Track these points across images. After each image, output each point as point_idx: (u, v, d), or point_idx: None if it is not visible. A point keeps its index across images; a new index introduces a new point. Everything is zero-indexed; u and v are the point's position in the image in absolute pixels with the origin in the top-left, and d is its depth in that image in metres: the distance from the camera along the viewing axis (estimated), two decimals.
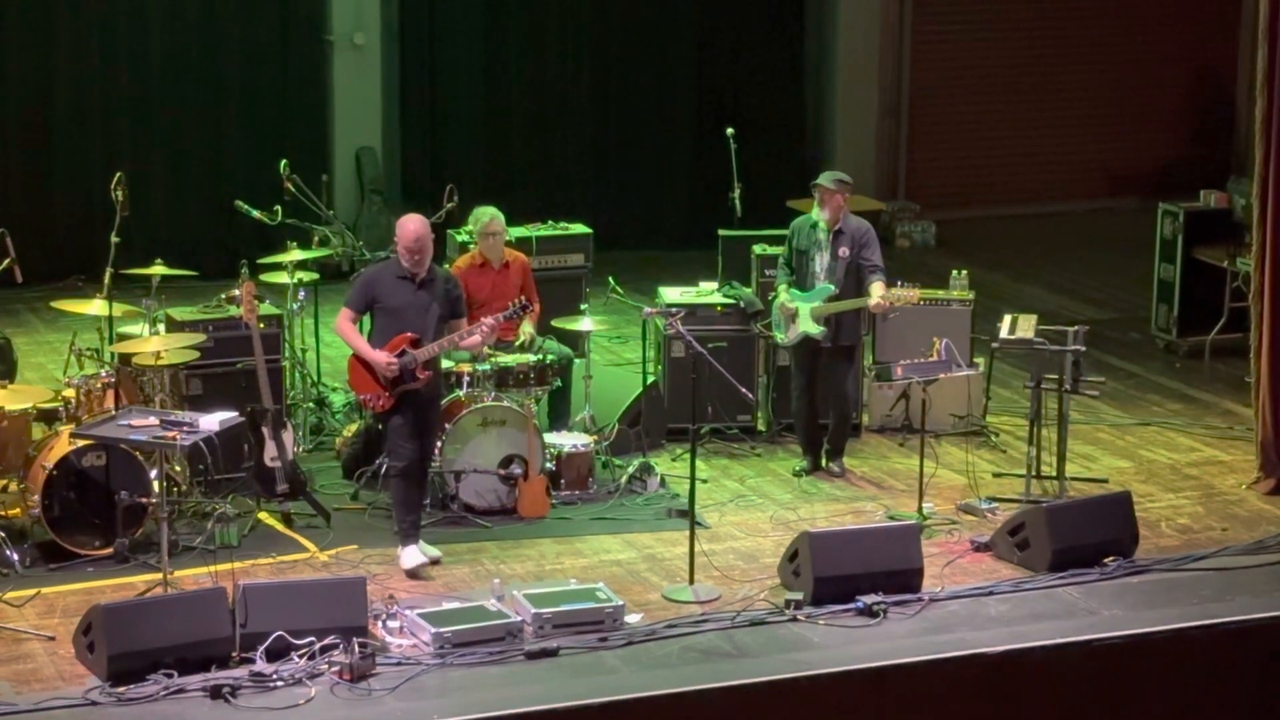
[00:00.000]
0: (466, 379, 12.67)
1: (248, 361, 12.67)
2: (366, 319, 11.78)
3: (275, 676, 10.06)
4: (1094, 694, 10.87)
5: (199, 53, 17.95)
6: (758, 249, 14.30)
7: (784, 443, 13.88)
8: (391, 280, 11.57)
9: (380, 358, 11.46)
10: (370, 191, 18.54)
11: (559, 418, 13.53)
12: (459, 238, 14.24)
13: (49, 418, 12.21)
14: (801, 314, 13.02)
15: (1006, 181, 21.16)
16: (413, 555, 11.52)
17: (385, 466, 12.07)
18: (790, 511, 12.69)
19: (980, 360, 14.13)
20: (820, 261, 13.08)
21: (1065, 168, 21.29)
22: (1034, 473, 12.93)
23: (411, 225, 11.55)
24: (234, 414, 11.42)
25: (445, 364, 12.63)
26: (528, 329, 13.10)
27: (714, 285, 14.39)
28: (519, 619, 10.71)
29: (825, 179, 13.10)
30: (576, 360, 13.70)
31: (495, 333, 12.09)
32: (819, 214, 13.04)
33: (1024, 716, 10.84)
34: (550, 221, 14.86)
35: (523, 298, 12.45)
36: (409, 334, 11.49)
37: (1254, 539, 12.30)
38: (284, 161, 14.04)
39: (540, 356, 12.95)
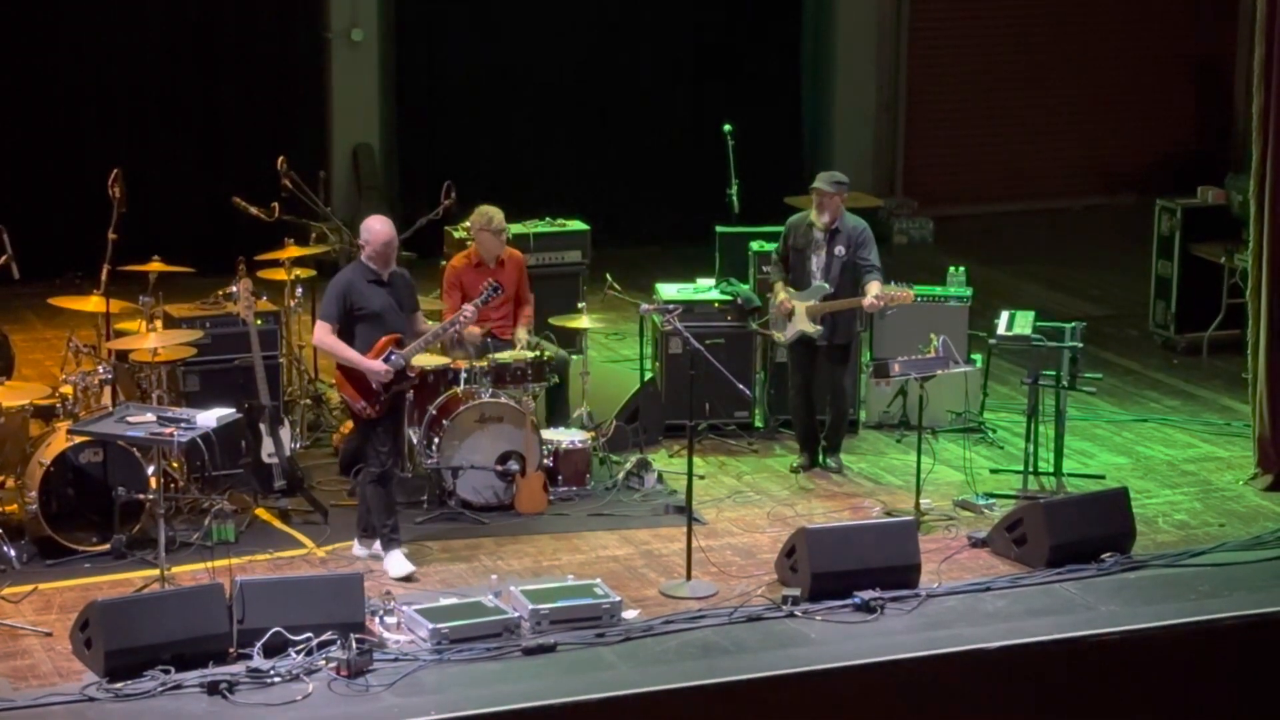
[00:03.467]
0: (464, 375, 12.67)
1: (245, 358, 12.68)
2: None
3: (272, 672, 10.06)
4: (1091, 689, 10.88)
5: (196, 48, 17.93)
6: (755, 245, 14.30)
7: (781, 439, 13.88)
8: (364, 285, 11.45)
9: (376, 365, 11.37)
10: (368, 188, 18.53)
11: (556, 414, 13.53)
12: (456, 234, 14.23)
13: (46, 414, 12.22)
14: (798, 312, 13.02)
15: (1004, 178, 21.15)
16: (399, 563, 11.50)
17: (362, 473, 11.94)
18: (787, 507, 12.69)
19: (978, 356, 14.12)
20: (816, 260, 13.06)
21: (1063, 164, 21.28)
22: (1031, 469, 12.93)
23: (382, 227, 11.45)
24: (231, 410, 11.42)
25: (443, 361, 12.65)
26: (521, 335, 13.11)
27: (711, 282, 14.40)
28: (516, 615, 10.71)
29: (823, 182, 13.05)
30: (574, 357, 13.70)
31: (474, 318, 12.05)
32: (817, 216, 13.02)
33: (1021, 712, 10.85)
34: (547, 218, 14.84)
35: (491, 280, 12.29)
36: (392, 335, 11.45)
37: (1251, 535, 12.31)
38: (281, 158, 14.03)
39: (538, 353, 12.94)
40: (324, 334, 11.53)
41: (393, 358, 11.41)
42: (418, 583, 11.37)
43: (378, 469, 11.57)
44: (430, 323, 12.14)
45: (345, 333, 11.49)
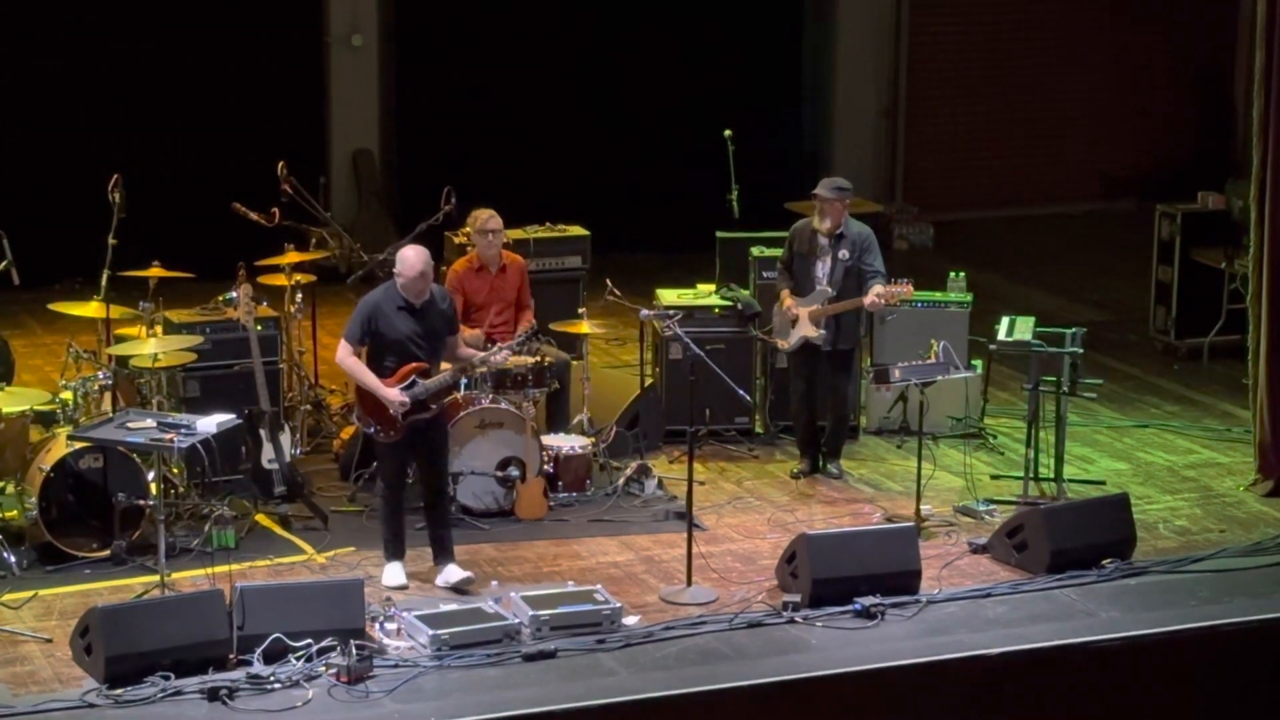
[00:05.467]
0: (464, 381, 12.65)
1: (245, 363, 12.68)
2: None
3: (273, 679, 10.06)
4: (1092, 696, 10.87)
5: (196, 54, 17.94)
6: (756, 250, 14.29)
7: (781, 445, 13.88)
8: (392, 311, 11.26)
9: (392, 394, 11.18)
10: (368, 193, 18.53)
11: (557, 420, 13.52)
12: (456, 240, 14.23)
13: (46, 420, 12.21)
14: (801, 318, 13.02)
15: (1004, 183, 21.17)
16: (393, 574, 11.46)
17: (377, 483, 11.94)
18: (788, 513, 12.68)
19: (978, 362, 14.12)
20: (821, 266, 13.06)
21: (1063, 169, 21.30)
22: (1032, 475, 12.93)
23: (416, 258, 11.21)
24: (231, 416, 11.42)
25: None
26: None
27: (712, 287, 14.40)
28: (516, 621, 10.70)
29: (824, 189, 13.04)
30: (574, 362, 13.70)
31: (507, 360, 12.10)
32: (819, 223, 13.02)
33: (1022, 718, 10.84)
34: (548, 224, 14.84)
35: (533, 324, 12.41)
36: (417, 364, 11.33)
37: (1252, 541, 12.31)
38: (281, 163, 14.03)
39: (537, 358, 12.93)
40: (345, 354, 11.33)
41: (415, 388, 11.31)
42: (408, 590, 11.37)
43: (387, 490, 11.52)
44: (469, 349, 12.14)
45: (370, 355, 11.36)
